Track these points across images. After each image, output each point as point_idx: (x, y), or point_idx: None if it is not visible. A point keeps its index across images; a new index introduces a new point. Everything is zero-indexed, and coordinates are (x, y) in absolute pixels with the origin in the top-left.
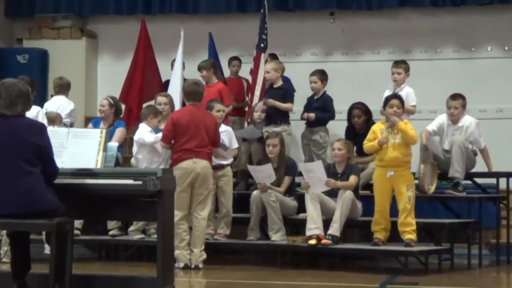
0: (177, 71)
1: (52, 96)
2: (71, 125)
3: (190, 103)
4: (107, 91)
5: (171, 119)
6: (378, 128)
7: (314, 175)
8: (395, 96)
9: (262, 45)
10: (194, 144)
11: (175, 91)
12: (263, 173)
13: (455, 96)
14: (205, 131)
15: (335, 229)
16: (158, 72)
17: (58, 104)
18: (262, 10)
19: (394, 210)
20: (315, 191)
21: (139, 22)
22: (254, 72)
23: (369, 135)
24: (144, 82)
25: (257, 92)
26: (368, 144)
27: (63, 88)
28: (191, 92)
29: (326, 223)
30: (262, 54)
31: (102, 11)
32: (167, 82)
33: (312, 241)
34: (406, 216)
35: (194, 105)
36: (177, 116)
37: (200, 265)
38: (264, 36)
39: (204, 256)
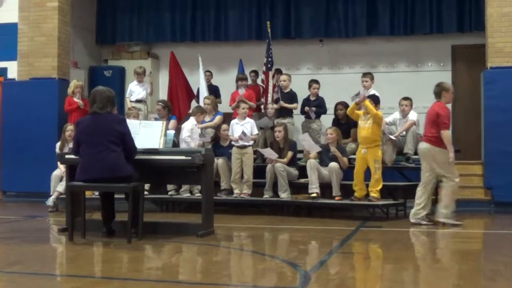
0: (202, 81)
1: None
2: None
3: None
4: (165, 95)
5: None
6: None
7: (306, 143)
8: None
9: (269, 65)
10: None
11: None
12: (267, 153)
13: (406, 98)
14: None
15: (337, 190)
16: (187, 83)
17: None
18: (267, 40)
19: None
20: (312, 151)
21: (188, 46)
22: (266, 86)
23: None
24: (178, 92)
25: (269, 97)
26: (349, 108)
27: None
28: None
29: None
30: (269, 72)
31: (162, 39)
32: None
33: (314, 195)
34: (373, 181)
35: None
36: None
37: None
38: (269, 59)
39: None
